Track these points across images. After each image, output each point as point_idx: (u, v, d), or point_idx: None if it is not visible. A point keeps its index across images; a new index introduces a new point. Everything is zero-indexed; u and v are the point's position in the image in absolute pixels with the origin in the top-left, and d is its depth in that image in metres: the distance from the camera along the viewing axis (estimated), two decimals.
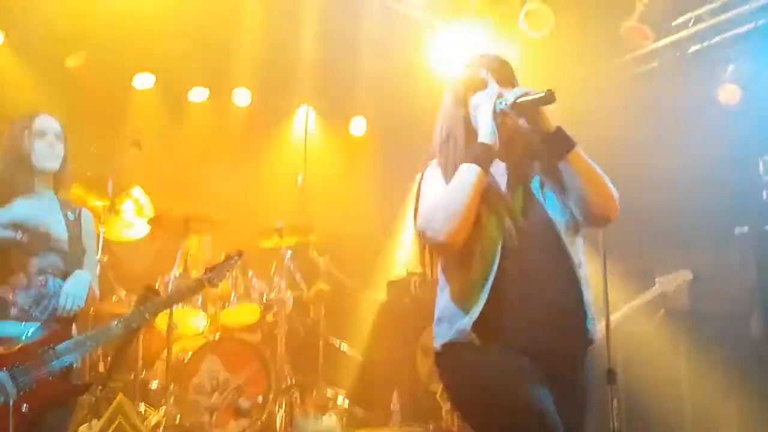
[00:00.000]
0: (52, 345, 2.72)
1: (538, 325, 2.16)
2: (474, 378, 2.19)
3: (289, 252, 5.69)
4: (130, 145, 5.86)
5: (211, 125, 6.75)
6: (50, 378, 2.69)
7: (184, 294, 3.30)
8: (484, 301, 2.15)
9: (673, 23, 6.29)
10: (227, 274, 3.37)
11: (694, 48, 6.34)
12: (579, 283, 2.22)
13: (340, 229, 6.37)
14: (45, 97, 5.84)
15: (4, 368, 2.62)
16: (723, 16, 6.06)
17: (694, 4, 6.11)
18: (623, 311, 4.43)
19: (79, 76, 6.15)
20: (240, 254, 3.42)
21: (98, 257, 4.84)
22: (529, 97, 2.19)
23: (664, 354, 5.30)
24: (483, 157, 2.20)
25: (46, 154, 2.88)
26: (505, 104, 2.22)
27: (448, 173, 2.25)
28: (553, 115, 2.25)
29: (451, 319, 2.23)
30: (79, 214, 3.02)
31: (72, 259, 2.87)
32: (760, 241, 5.34)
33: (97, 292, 3.05)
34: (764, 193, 5.38)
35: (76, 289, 2.78)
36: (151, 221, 5.54)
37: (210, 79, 6.66)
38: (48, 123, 2.94)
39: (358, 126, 7.22)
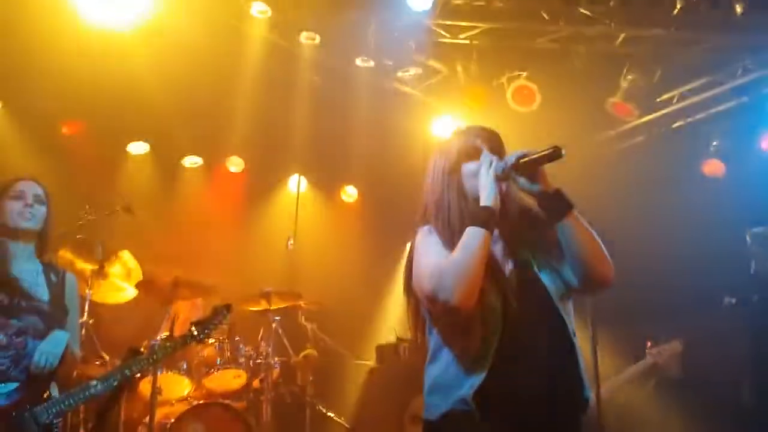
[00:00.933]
0: (29, 406, 2.67)
1: (537, 396, 2.13)
2: None
3: (277, 318, 5.65)
4: (121, 209, 5.90)
5: (204, 191, 6.78)
6: None
7: (168, 350, 3.12)
8: (487, 371, 2.12)
9: (658, 99, 6.48)
10: (214, 328, 3.27)
11: (678, 123, 6.52)
12: (576, 352, 2.22)
13: (329, 294, 6.33)
14: (39, 163, 5.90)
15: None
16: (706, 94, 6.27)
17: (678, 81, 6.32)
18: (615, 381, 4.38)
19: (75, 143, 6.21)
20: (228, 308, 3.33)
21: (83, 320, 4.80)
22: (535, 156, 2.22)
23: (657, 423, 5.21)
24: (488, 220, 2.21)
25: (21, 213, 2.90)
26: (506, 165, 2.24)
27: (446, 237, 2.26)
28: None
29: (448, 388, 2.19)
30: (63, 276, 3.02)
31: (52, 320, 2.85)
32: (749, 311, 5.35)
33: (79, 354, 3.02)
34: (752, 264, 5.42)
35: (51, 348, 2.75)
36: (139, 285, 5.51)
37: (204, 147, 6.76)
38: (26, 186, 2.98)
39: (349, 194, 7.29)
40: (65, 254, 5.10)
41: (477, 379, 2.12)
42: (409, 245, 2.39)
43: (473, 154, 2.35)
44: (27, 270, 2.91)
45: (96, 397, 2.86)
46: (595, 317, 3.04)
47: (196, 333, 3.22)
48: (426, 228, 2.37)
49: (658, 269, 5.71)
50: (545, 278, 2.27)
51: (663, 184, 6.04)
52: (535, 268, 2.28)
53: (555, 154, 2.18)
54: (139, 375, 4.99)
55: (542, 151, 2.20)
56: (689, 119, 6.43)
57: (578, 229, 2.24)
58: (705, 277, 5.58)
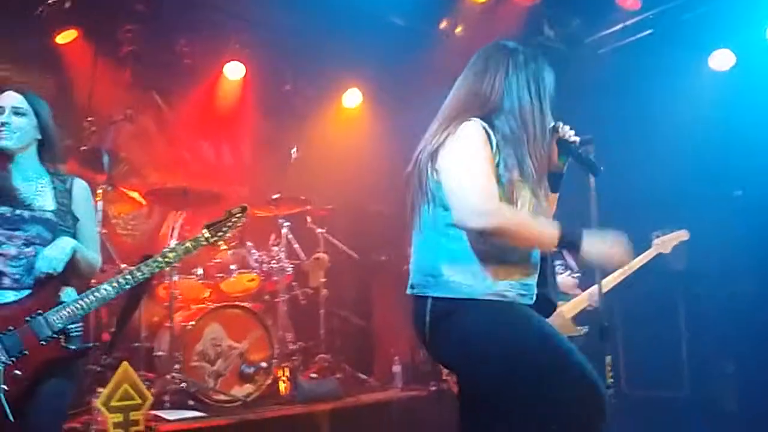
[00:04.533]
0: (40, 311, 2.69)
1: (545, 297, 2.48)
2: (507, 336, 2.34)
3: (287, 222, 5.72)
4: (124, 119, 5.87)
5: (208, 99, 6.69)
6: (42, 344, 2.66)
7: (180, 253, 3.01)
8: (529, 272, 2.41)
9: None
10: (228, 231, 3.14)
11: (687, 15, 6.35)
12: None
13: (337, 199, 6.36)
14: (35, 75, 5.81)
15: None
16: None
17: None
18: (620, 272, 4.43)
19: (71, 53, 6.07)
20: (243, 209, 3.18)
21: (97, 229, 4.82)
22: (577, 154, 2.57)
23: (662, 312, 5.37)
24: (568, 242, 2.35)
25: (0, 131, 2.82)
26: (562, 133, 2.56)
27: (515, 134, 2.38)
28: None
29: (474, 272, 2.34)
30: (71, 184, 2.97)
31: (60, 229, 2.83)
32: (753, 202, 5.41)
33: (98, 261, 2.98)
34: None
35: (55, 253, 2.74)
36: (148, 195, 5.55)
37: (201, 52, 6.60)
38: (5, 99, 2.87)
39: (351, 98, 7.21)
40: (72, 166, 5.10)
41: (532, 272, 2.41)
42: (455, 132, 2.37)
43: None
44: (30, 181, 2.87)
45: (106, 300, 2.81)
46: (599, 211, 3.08)
47: (208, 235, 3.10)
48: (481, 124, 2.37)
49: (664, 163, 5.73)
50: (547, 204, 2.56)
51: (672, 76, 5.96)
52: (540, 194, 2.47)
53: (593, 170, 2.66)
54: (155, 282, 5.12)
55: (585, 158, 2.59)
56: (698, 10, 6.25)
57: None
58: (712, 170, 5.61)
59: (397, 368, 5.68)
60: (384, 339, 6.43)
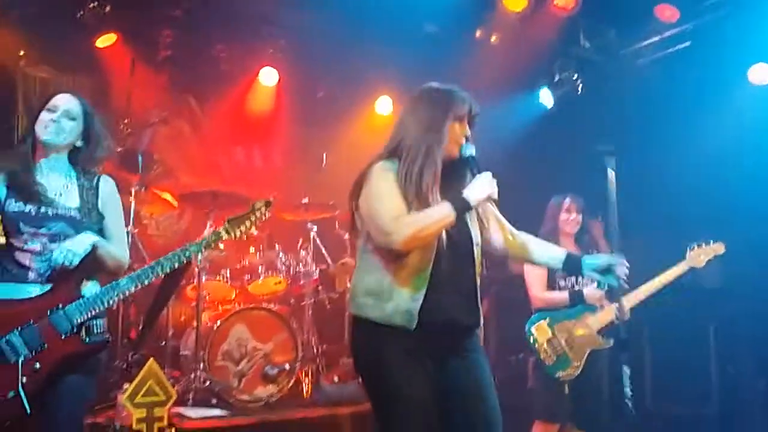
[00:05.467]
0: (61, 305, 2.72)
1: (455, 320, 2.63)
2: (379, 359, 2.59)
3: (315, 227, 5.75)
4: (159, 122, 5.98)
5: (242, 105, 6.78)
6: (62, 337, 2.69)
7: (201, 246, 2.98)
8: (423, 294, 2.54)
9: (706, 3, 6.19)
10: (251, 225, 3.10)
11: (725, 27, 6.24)
12: (477, 289, 2.71)
13: None
14: (75, 76, 5.95)
15: (17, 329, 2.64)
16: None
17: None
18: (648, 286, 4.33)
19: (110, 56, 6.20)
20: (268, 204, 3.14)
21: (128, 229, 4.89)
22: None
23: (693, 328, 5.25)
24: (464, 211, 2.60)
25: (47, 126, 2.86)
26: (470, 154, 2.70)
27: (410, 182, 2.57)
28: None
29: (383, 297, 2.56)
30: (97, 181, 2.98)
31: (84, 226, 2.85)
32: None
33: (125, 258, 2.99)
34: None
35: (73, 247, 2.75)
36: (180, 197, 5.63)
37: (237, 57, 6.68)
38: (60, 100, 2.92)
39: (383, 105, 7.23)
40: (108, 167, 5.18)
41: (417, 297, 2.54)
42: (370, 171, 2.65)
43: (463, 126, 2.68)
44: (56, 179, 2.90)
45: (125, 294, 2.82)
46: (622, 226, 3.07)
47: (228, 228, 3.06)
48: (386, 164, 2.64)
49: (703, 176, 5.63)
50: (472, 226, 2.73)
51: (709, 89, 5.86)
52: (466, 216, 2.67)
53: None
54: (183, 282, 5.18)
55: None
56: (737, 23, 6.13)
57: None
58: (751, 184, 5.50)
59: None
60: None
